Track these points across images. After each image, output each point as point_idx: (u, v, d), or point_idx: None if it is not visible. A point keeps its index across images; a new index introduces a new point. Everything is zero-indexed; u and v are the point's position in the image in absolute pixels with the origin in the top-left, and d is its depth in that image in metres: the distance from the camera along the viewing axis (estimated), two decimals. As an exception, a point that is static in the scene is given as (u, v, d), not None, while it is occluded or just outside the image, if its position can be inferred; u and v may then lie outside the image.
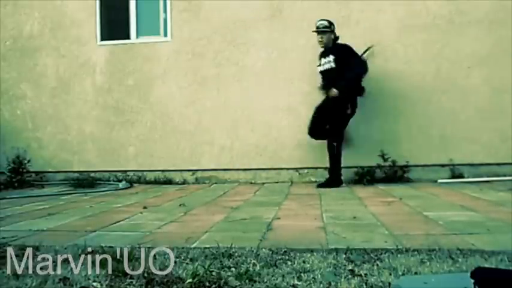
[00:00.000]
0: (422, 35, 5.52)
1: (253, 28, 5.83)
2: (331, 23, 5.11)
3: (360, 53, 5.06)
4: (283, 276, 1.86)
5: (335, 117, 5.02)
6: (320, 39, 5.12)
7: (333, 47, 5.10)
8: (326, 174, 5.37)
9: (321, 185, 5.12)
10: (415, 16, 5.55)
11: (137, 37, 6.15)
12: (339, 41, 5.15)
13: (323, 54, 5.14)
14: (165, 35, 6.08)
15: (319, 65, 5.18)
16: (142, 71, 6.06)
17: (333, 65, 5.00)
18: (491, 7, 5.41)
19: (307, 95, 5.65)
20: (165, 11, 6.07)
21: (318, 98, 5.43)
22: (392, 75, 5.51)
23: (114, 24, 6.25)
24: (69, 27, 6.19)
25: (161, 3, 6.11)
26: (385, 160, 5.35)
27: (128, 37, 6.14)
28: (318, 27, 5.09)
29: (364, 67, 4.94)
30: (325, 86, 5.11)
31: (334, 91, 4.90)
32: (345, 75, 4.85)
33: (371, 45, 5.18)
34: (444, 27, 5.52)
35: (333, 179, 5.12)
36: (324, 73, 5.14)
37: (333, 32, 5.12)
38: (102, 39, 6.17)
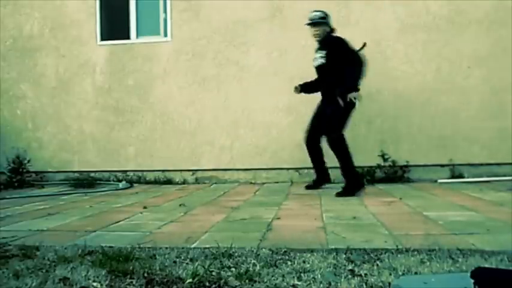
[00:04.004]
0: (422, 35, 5.52)
1: (253, 28, 5.83)
2: (326, 14, 4.67)
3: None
4: (283, 276, 1.86)
5: (332, 110, 4.51)
6: (316, 32, 4.66)
7: (325, 40, 4.66)
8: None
9: (340, 194, 4.30)
10: (415, 16, 5.55)
11: (137, 37, 6.15)
12: (335, 34, 4.71)
13: (317, 48, 4.75)
14: (165, 35, 6.08)
15: (314, 59, 4.76)
16: (142, 71, 6.06)
17: (323, 61, 4.58)
18: (491, 7, 5.41)
19: (307, 95, 5.64)
20: (165, 11, 6.06)
21: (318, 98, 5.41)
22: (393, 75, 5.52)
23: (114, 24, 6.24)
24: (69, 27, 6.19)
25: (161, 3, 6.11)
26: (385, 160, 5.36)
27: (128, 37, 6.14)
28: (311, 19, 4.64)
29: (361, 63, 4.41)
30: (320, 83, 4.72)
31: (340, 102, 4.38)
32: (345, 81, 4.39)
33: (364, 43, 4.69)
34: (444, 27, 5.52)
35: (352, 183, 4.41)
36: (316, 69, 4.75)
37: (327, 24, 4.67)
38: (102, 39, 6.17)
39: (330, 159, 4.66)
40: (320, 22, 4.63)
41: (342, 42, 4.51)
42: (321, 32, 4.65)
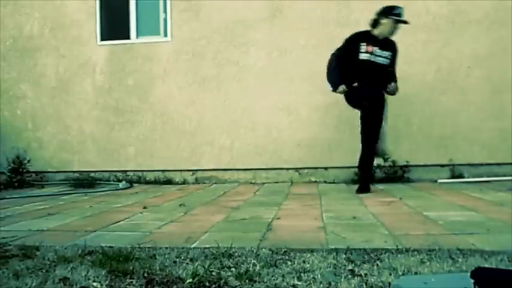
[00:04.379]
0: (422, 35, 5.51)
1: (253, 28, 5.82)
2: None
3: None
4: (283, 276, 1.85)
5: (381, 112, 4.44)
6: (396, 30, 4.41)
7: (389, 41, 4.45)
8: (326, 174, 5.38)
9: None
10: (415, 16, 5.50)
11: (137, 37, 6.14)
12: None
13: (377, 43, 4.39)
14: (165, 35, 6.07)
15: (370, 52, 4.36)
16: (142, 71, 6.05)
17: (388, 62, 4.40)
18: (491, 7, 5.41)
19: (307, 95, 5.64)
20: (165, 11, 6.05)
21: (318, 98, 5.43)
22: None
23: (114, 24, 6.23)
24: (69, 27, 6.18)
25: (161, 3, 6.10)
26: (385, 160, 5.34)
27: (128, 37, 6.13)
28: (403, 15, 4.33)
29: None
30: (369, 80, 4.33)
31: (394, 86, 4.35)
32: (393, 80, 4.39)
33: None
34: (444, 27, 5.51)
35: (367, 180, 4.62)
36: (372, 65, 4.36)
37: None
38: (102, 39, 6.15)
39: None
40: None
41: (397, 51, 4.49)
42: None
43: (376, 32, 4.44)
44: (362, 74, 4.35)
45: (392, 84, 4.35)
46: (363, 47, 4.37)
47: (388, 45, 4.43)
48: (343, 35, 5.22)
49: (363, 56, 4.37)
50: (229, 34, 5.87)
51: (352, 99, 4.50)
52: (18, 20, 6.27)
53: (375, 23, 4.43)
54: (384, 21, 4.36)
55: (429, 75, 5.53)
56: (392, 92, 4.41)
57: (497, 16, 5.39)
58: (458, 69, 5.48)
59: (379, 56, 4.39)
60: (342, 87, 4.39)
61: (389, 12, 4.34)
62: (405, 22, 4.35)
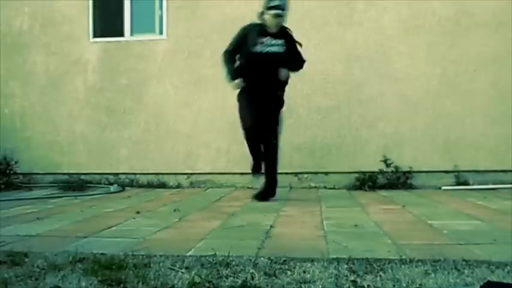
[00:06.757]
0: (427, 37, 5.47)
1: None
2: None
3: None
4: (283, 286, 1.81)
5: (278, 110, 4.52)
6: (280, 21, 4.37)
7: (283, 30, 4.45)
8: (327, 179, 5.29)
9: (260, 197, 4.43)
10: (419, 17, 5.51)
11: (131, 34, 6.06)
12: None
13: (267, 34, 4.38)
14: (161, 32, 6.02)
15: (261, 43, 4.35)
16: (136, 69, 5.97)
17: (281, 49, 4.37)
18: (498, 8, 5.37)
19: (307, 97, 5.56)
20: (160, 8, 6.00)
21: (319, 100, 5.34)
22: (396, 78, 5.46)
23: (107, 21, 6.17)
24: (61, 23, 6.09)
25: (157, -1, 6.04)
26: (387, 165, 5.29)
27: (121, 34, 6.06)
28: (280, 7, 4.31)
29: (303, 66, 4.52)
30: (264, 72, 4.34)
31: (285, 72, 4.38)
32: (294, 65, 4.46)
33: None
34: (450, 28, 5.47)
35: (275, 185, 4.48)
36: (266, 56, 4.34)
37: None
38: (95, 36, 6.07)
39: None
40: (286, 13, 4.40)
41: (294, 37, 4.47)
42: (283, 21, 4.42)
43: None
44: (256, 67, 4.34)
45: (283, 70, 4.36)
46: (256, 39, 4.37)
47: (280, 34, 4.40)
48: (345, 35, 5.17)
49: (255, 49, 4.35)
50: (228, 32, 5.73)
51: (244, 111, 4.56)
52: (7, 15, 6.16)
53: (260, 18, 4.43)
54: (265, 16, 4.37)
55: (434, 79, 5.48)
56: (285, 78, 4.41)
57: (504, 18, 5.35)
58: (464, 72, 5.44)
59: (271, 46, 4.37)
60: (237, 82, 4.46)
61: (266, 7, 4.34)
62: (280, 12, 4.31)
